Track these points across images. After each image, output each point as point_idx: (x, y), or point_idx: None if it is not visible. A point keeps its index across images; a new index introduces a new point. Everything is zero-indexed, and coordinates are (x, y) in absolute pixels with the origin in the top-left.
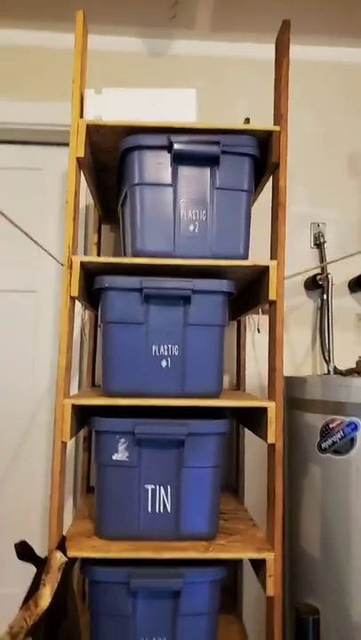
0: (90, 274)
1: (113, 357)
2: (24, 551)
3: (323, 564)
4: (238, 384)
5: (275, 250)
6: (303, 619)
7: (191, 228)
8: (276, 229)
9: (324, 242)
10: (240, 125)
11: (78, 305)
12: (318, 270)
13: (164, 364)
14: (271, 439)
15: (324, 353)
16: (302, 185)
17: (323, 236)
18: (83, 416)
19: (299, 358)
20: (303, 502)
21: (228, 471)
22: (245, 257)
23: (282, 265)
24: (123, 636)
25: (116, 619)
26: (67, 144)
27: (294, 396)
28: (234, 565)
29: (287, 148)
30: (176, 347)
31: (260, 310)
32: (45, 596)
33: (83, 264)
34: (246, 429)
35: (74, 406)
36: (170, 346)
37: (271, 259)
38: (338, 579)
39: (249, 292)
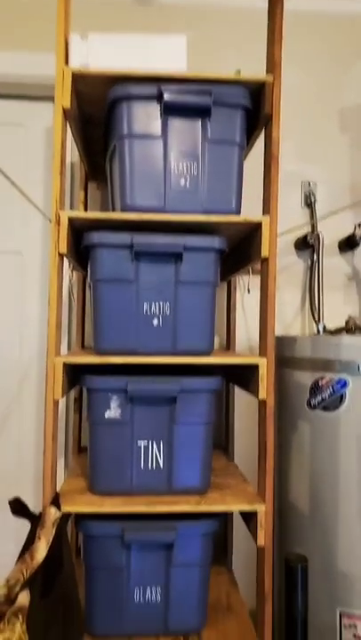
0: (78, 231)
1: (104, 316)
2: (18, 507)
3: (310, 518)
4: (228, 345)
5: (267, 205)
6: (292, 567)
7: (182, 182)
8: (268, 184)
9: (315, 201)
10: (233, 76)
11: (66, 266)
12: (309, 230)
13: (155, 322)
14: (262, 395)
15: (313, 313)
16: (292, 142)
17: (313, 195)
18: (74, 376)
19: (288, 318)
20: (292, 459)
21: (218, 430)
22: (238, 212)
23: (275, 221)
24: (117, 586)
25: (110, 571)
26: (51, 98)
27: (284, 354)
28: (224, 519)
29: (280, 98)
30: (167, 305)
31: (250, 270)
32: (41, 550)
33: (71, 220)
34: (236, 388)
35: (65, 365)
36: (161, 304)
37: (263, 214)
38: (325, 531)
39: (239, 250)
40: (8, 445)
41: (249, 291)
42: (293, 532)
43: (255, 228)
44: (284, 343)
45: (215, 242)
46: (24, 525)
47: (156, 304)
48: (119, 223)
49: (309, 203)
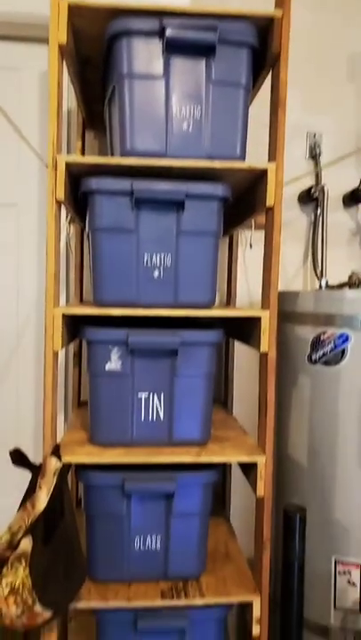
0: (75, 179)
1: (103, 267)
2: (18, 458)
3: (309, 471)
4: (228, 301)
5: (273, 151)
6: (291, 516)
7: (185, 126)
8: (275, 129)
9: (320, 153)
10: (239, 10)
11: (63, 218)
12: (313, 183)
13: (156, 274)
14: (264, 348)
15: (315, 268)
16: (297, 91)
17: (318, 146)
18: (73, 329)
19: (290, 275)
20: (292, 413)
21: (218, 385)
22: (242, 158)
23: (281, 167)
24: (118, 535)
25: (111, 519)
26: (47, 40)
27: (285, 309)
28: (223, 472)
29: (289, 36)
30: (168, 256)
31: (252, 225)
32: (41, 499)
33: (68, 165)
34: (236, 344)
35: (64, 316)
36: (162, 255)
37: (269, 161)
38: (323, 483)
39: (242, 202)
40: (7, 400)
41: (251, 246)
42: (291, 483)
43: (260, 176)
44: (285, 298)
45: (219, 189)
46: (24, 479)
47: (157, 255)
48: (119, 169)
49: (314, 155)
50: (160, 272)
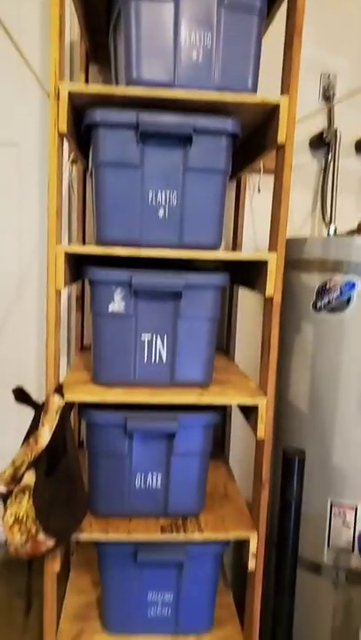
0: (79, 112)
1: (106, 204)
2: (21, 396)
3: (309, 418)
4: (235, 248)
5: (286, 85)
6: (290, 458)
7: (194, 55)
8: (289, 61)
9: (334, 95)
10: None
11: (65, 157)
12: (325, 126)
13: (161, 213)
14: (270, 292)
15: (324, 216)
16: (312, 27)
17: (333, 88)
18: (76, 271)
19: (297, 222)
20: (294, 361)
21: (221, 333)
22: (254, 91)
23: (294, 102)
24: (119, 472)
25: (113, 458)
26: None
27: (292, 256)
28: (223, 417)
29: None
30: (174, 194)
31: (261, 168)
32: (44, 435)
33: (71, 95)
34: (240, 294)
35: (67, 255)
36: (167, 193)
37: (282, 94)
38: (322, 429)
39: (251, 142)
40: (10, 344)
41: (259, 190)
42: (291, 429)
43: (271, 112)
44: (292, 244)
45: (228, 124)
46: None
47: (162, 193)
48: (124, 100)
49: (328, 96)
50: (165, 211)
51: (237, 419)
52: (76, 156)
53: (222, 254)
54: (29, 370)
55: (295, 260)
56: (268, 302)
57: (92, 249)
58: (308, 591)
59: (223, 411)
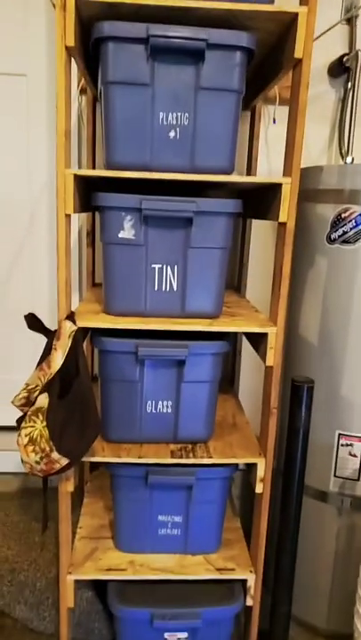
0: (87, 29)
1: (116, 126)
2: (33, 322)
3: (319, 350)
4: None
5: None
6: (298, 386)
7: None
8: None
9: (357, 16)
10: None
11: (75, 87)
12: (345, 51)
13: (172, 134)
14: (283, 217)
15: (341, 148)
16: None
17: (356, 7)
18: (86, 202)
19: (314, 155)
20: (306, 293)
21: (232, 270)
22: (271, 1)
23: (313, 13)
24: (131, 398)
25: (125, 385)
26: None
27: (307, 186)
28: (233, 354)
29: None
30: (186, 115)
31: (277, 95)
32: (57, 360)
33: (78, 5)
34: (253, 234)
35: (76, 178)
36: (179, 114)
37: (301, 4)
38: (332, 362)
39: (266, 66)
40: (21, 284)
41: (275, 121)
42: (300, 361)
43: (289, 25)
44: (308, 174)
45: (243, 38)
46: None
47: (174, 114)
48: (134, 12)
49: (350, 18)
50: (176, 133)
51: (246, 356)
52: (85, 84)
53: (235, 178)
54: (43, 305)
55: (310, 190)
56: (281, 229)
57: (102, 172)
58: (313, 517)
59: (233, 344)
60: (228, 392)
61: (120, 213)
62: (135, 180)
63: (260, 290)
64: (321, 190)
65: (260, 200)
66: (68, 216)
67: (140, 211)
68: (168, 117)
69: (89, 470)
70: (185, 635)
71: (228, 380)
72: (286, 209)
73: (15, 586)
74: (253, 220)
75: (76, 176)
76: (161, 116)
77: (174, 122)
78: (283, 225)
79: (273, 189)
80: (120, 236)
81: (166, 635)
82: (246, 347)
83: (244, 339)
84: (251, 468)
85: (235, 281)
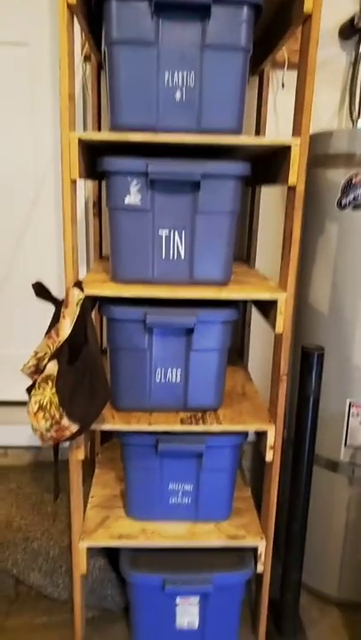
0: None
1: (121, 86)
2: (41, 290)
3: (329, 319)
4: None
5: None
6: (309, 353)
7: None
8: None
9: None
10: None
11: (78, 53)
12: (356, 11)
13: (178, 95)
14: (292, 181)
15: (351, 112)
16: None
17: None
18: (92, 168)
19: (324, 121)
20: (316, 261)
21: (241, 242)
22: None
23: None
24: (140, 367)
25: (133, 353)
26: None
27: (316, 152)
28: (242, 325)
29: None
30: (192, 74)
31: (286, 59)
32: (65, 327)
33: None
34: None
35: (81, 142)
36: (185, 73)
37: None
38: (342, 330)
39: (273, 24)
40: (29, 258)
41: (283, 85)
42: (311, 330)
43: None
44: (317, 139)
45: None
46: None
47: (179, 73)
48: None
49: None
50: (182, 93)
51: (256, 329)
52: (88, 51)
53: (244, 139)
54: (51, 279)
55: (320, 155)
56: (290, 193)
57: (107, 135)
58: (324, 487)
59: (242, 316)
60: (237, 364)
61: (126, 178)
62: (141, 146)
63: (270, 261)
64: (331, 155)
65: (268, 165)
66: (73, 182)
67: (146, 175)
68: (174, 77)
69: (100, 442)
70: (197, 599)
71: (237, 353)
72: (296, 171)
73: (29, 554)
74: (262, 192)
75: (80, 141)
76: (167, 76)
77: (180, 82)
78: (292, 189)
79: (282, 153)
80: (126, 201)
81: (178, 600)
82: (256, 318)
83: (253, 310)
84: (261, 438)
85: (244, 253)
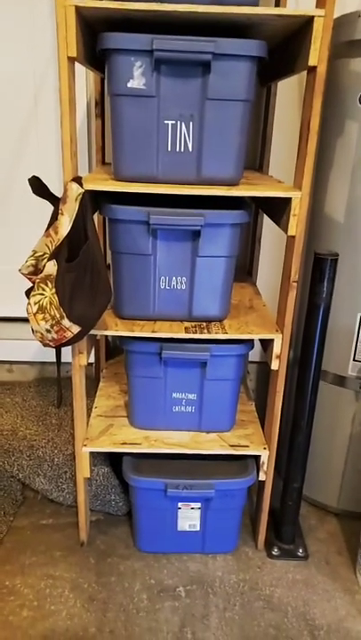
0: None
1: None
2: (38, 186)
3: (345, 227)
4: None
5: None
6: (322, 258)
7: None
8: None
9: None
10: None
11: None
12: None
13: None
14: (313, 60)
15: None
16: None
17: None
18: (89, 38)
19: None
20: (333, 166)
21: (253, 150)
22: None
23: None
24: (144, 273)
25: (137, 258)
26: None
27: (339, 40)
28: (252, 246)
29: None
30: None
31: None
32: (64, 224)
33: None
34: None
35: (78, 11)
36: None
37: None
38: (358, 242)
39: None
40: (30, 164)
41: None
42: (325, 238)
43: None
44: (341, 23)
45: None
46: None
47: None
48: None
49: None
50: None
51: (266, 243)
52: None
53: (263, 9)
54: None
55: (343, 43)
56: (310, 77)
57: (106, 3)
58: (330, 401)
59: (252, 231)
60: (245, 281)
61: (129, 58)
62: (146, 25)
63: (285, 173)
64: (357, 42)
65: (285, 48)
66: (71, 60)
67: (151, 54)
68: None
69: (104, 359)
70: (198, 505)
71: (246, 271)
72: (318, 49)
73: (34, 460)
74: (278, 95)
75: (77, 9)
76: None
77: None
78: (313, 71)
79: (302, 32)
80: (129, 85)
81: (180, 504)
82: (266, 234)
83: (264, 225)
84: (267, 348)
85: (256, 162)
